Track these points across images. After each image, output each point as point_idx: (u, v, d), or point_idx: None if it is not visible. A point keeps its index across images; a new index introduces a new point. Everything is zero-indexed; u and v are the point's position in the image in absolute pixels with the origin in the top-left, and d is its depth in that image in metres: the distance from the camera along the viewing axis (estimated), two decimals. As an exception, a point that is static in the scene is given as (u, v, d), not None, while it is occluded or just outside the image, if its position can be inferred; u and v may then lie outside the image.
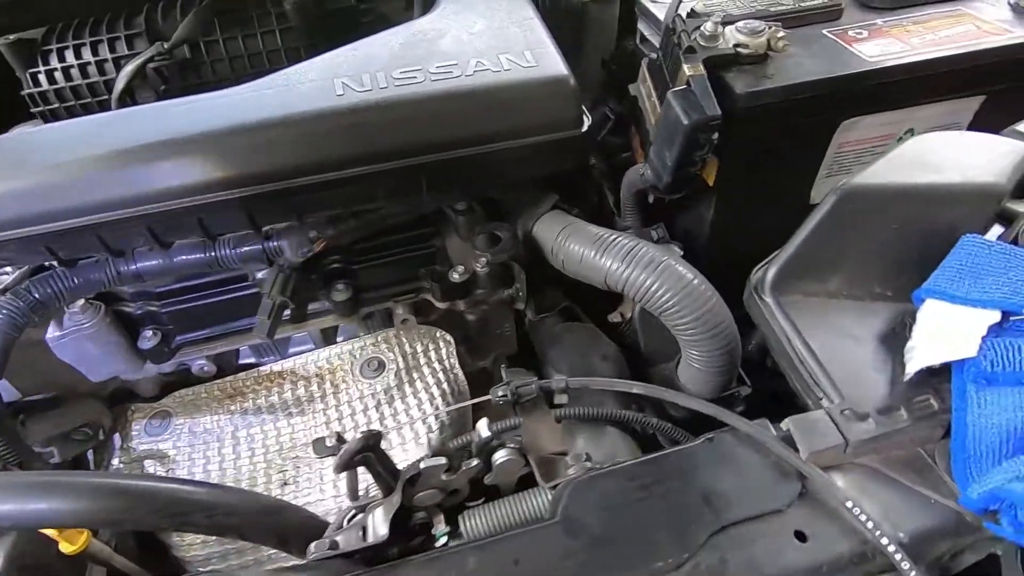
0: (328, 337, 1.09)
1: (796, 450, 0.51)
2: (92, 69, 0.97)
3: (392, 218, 0.92)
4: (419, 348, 1.07)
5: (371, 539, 0.55)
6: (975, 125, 0.83)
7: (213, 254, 0.90)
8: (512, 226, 0.92)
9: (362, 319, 1.07)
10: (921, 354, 0.52)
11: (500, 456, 0.54)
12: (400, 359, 1.05)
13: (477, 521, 0.56)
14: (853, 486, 0.51)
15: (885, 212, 0.58)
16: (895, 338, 0.57)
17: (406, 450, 0.94)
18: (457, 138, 0.79)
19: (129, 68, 0.94)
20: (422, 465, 0.52)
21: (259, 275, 0.93)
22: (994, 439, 0.49)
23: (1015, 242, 0.57)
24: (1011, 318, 0.51)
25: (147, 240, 0.80)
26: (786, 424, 0.52)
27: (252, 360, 1.08)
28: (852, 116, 0.78)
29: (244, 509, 0.61)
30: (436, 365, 1.07)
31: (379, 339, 1.08)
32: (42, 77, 0.97)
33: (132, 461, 0.97)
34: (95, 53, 0.97)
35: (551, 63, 0.82)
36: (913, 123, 0.80)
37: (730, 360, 0.76)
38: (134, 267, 0.86)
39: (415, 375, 1.04)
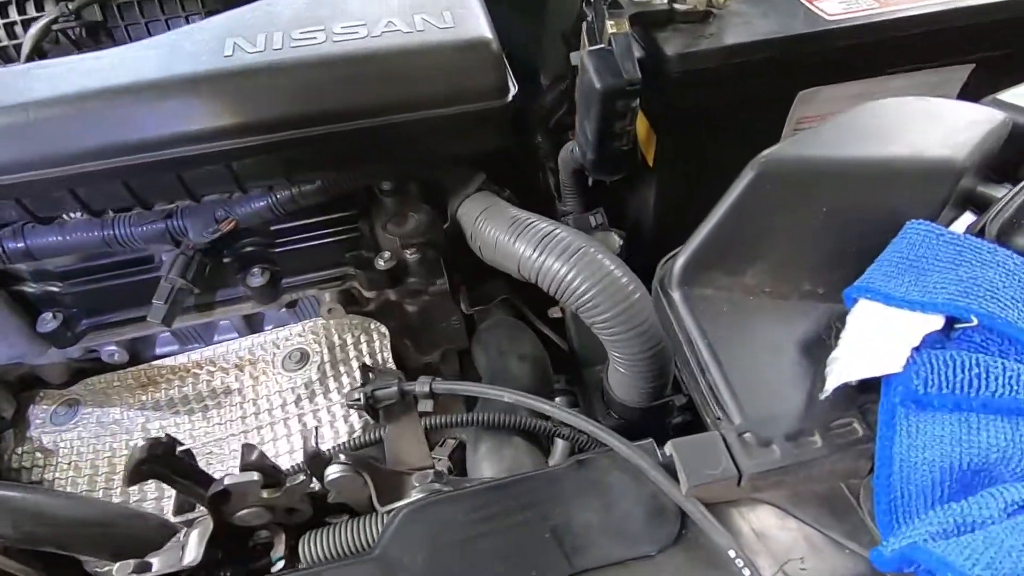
0: (253, 325, 1.01)
1: (677, 480, 0.41)
2: (1, 32, 0.91)
3: (306, 198, 0.83)
4: (348, 340, 0.98)
5: (185, 561, 0.46)
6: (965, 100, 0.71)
7: (110, 232, 0.82)
8: (433, 209, 0.83)
9: (289, 307, 0.99)
10: (842, 367, 0.42)
11: (332, 472, 0.45)
12: (326, 351, 0.97)
13: (314, 546, 0.48)
14: (747, 529, 0.41)
15: (816, 191, 0.47)
16: (821, 346, 0.46)
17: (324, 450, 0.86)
18: (359, 107, 0.70)
19: (33, 30, 0.87)
20: (227, 481, 0.43)
21: (164, 257, 0.86)
22: (925, 478, 0.38)
23: (981, 233, 0.46)
24: (956, 326, 0.40)
25: (20, 214, 0.73)
26: (668, 448, 0.42)
27: (175, 348, 1.01)
28: (810, 85, 0.67)
29: (64, 518, 0.53)
30: (366, 359, 0.98)
31: (306, 329, 1.00)
32: (-46, 42, 0.91)
33: (35, 451, 0.91)
34: (3, 15, 0.90)
35: (472, 24, 0.73)
36: (886, 95, 0.68)
37: (658, 365, 0.66)
38: (22, 244, 0.80)
39: (341, 368, 0.96)
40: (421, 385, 0.53)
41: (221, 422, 0.94)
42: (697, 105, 0.66)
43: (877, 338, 0.41)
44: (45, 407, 0.94)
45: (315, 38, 0.71)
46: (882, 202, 0.46)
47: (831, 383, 0.42)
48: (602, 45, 0.61)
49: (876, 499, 0.40)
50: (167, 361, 0.97)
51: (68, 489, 0.89)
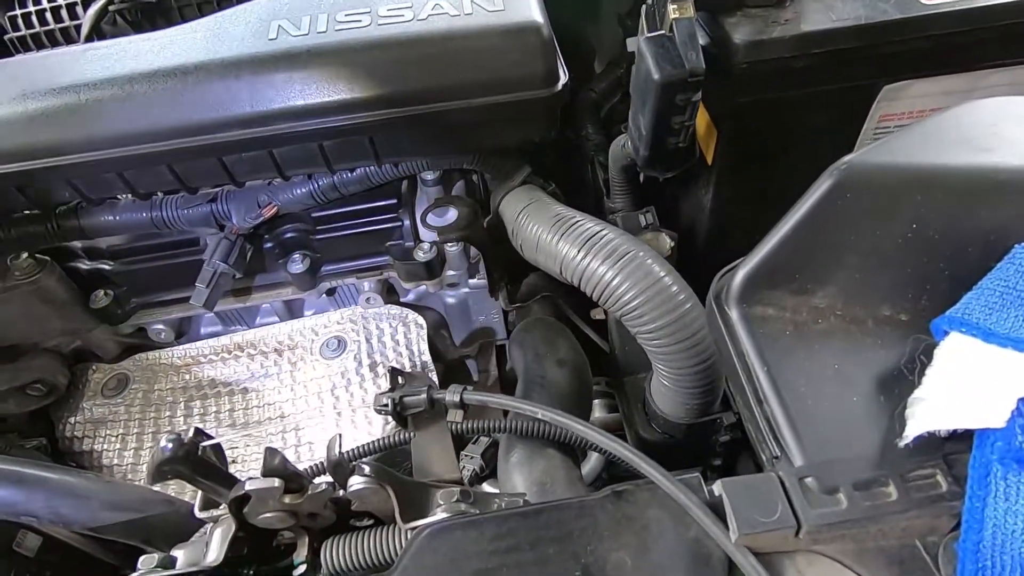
0: (293, 310, 1.01)
1: (726, 525, 0.36)
2: (64, 13, 0.91)
3: (347, 186, 0.81)
4: (386, 330, 0.97)
5: (207, 560, 0.45)
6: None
7: (158, 214, 0.82)
8: (475, 201, 0.79)
9: (328, 294, 0.98)
10: (929, 411, 0.36)
11: (355, 483, 0.42)
12: (363, 340, 0.95)
13: (336, 554, 0.45)
14: (803, 586, 0.36)
15: (903, 204, 0.40)
16: (901, 382, 0.40)
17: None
18: (403, 94, 0.67)
19: (91, 11, 0.87)
20: (248, 486, 0.41)
21: (209, 240, 0.86)
22: (1022, 549, 0.32)
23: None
24: (1074, 373, 0.34)
25: (72, 194, 0.73)
26: (718, 488, 0.37)
27: (219, 328, 1.02)
28: (898, 79, 0.59)
29: (98, 502, 0.53)
30: (403, 349, 0.96)
31: (344, 317, 0.98)
32: (20, 21, 0.93)
33: (86, 422, 0.94)
34: (64, -4, 0.91)
35: (522, 7, 0.68)
36: (982, 93, 0.59)
37: (707, 380, 0.61)
38: (76, 223, 0.81)
39: (378, 358, 0.95)
40: (451, 394, 0.49)
41: (260, 404, 0.94)
42: (766, 99, 0.59)
43: (973, 382, 0.35)
44: (98, 380, 0.96)
45: (360, 21, 0.68)
46: (983, 219, 0.40)
47: (913, 428, 0.36)
48: (662, 31, 0.56)
49: (961, 566, 0.34)
50: (210, 342, 0.98)
51: (115, 461, 0.91)
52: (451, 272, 0.90)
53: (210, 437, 0.49)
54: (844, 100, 0.61)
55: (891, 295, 0.42)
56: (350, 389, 0.92)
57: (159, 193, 0.81)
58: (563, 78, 0.69)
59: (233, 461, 0.92)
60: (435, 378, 0.94)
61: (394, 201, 0.86)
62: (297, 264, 0.88)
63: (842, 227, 0.41)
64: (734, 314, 0.44)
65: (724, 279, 0.46)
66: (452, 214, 0.74)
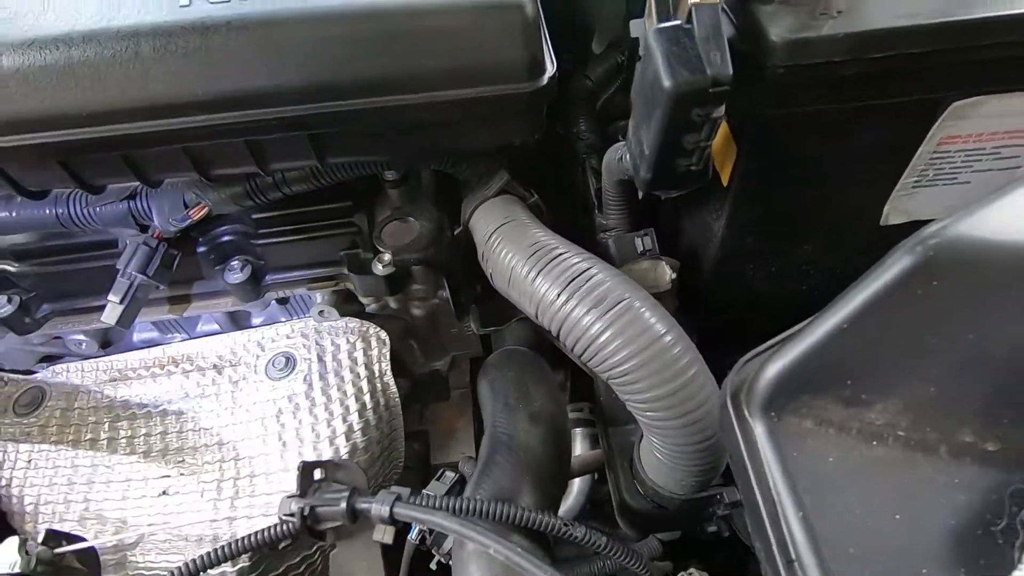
0: (237, 321, 0.88)
1: None
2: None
3: (289, 184, 0.68)
4: (343, 346, 0.84)
5: None
6: None
7: (64, 211, 0.69)
8: (439, 215, 0.66)
9: (280, 302, 0.85)
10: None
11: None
12: (315, 358, 0.83)
13: None
14: None
15: (1007, 297, 0.29)
16: (986, 539, 0.29)
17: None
18: (351, 82, 0.53)
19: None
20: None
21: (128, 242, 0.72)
22: None
23: None
24: None
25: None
26: None
27: (154, 335, 0.89)
28: (970, 94, 0.46)
29: None
30: (361, 370, 0.84)
31: (295, 330, 0.86)
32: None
33: (-6, 442, 0.82)
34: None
35: (502, -22, 0.53)
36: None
37: (708, 459, 0.49)
38: (-37, 220, 0.67)
39: (332, 380, 0.82)
40: (379, 505, 0.38)
41: (195, 429, 0.82)
42: (803, 112, 0.47)
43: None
44: (8, 394, 0.84)
45: (298, -13, 0.53)
46: None
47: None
48: (677, 21, 0.42)
49: None
50: (141, 354, 0.85)
51: (25, 489, 0.79)
52: (416, 287, 0.78)
53: (73, 538, 0.37)
54: (900, 117, 0.48)
55: (977, 416, 0.30)
56: (298, 415, 0.80)
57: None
58: (550, 69, 0.55)
59: (164, 492, 0.81)
60: (397, 401, 0.83)
61: (349, 204, 0.73)
62: (236, 273, 0.75)
63: (922, 322, 0.29)
64: (759, 427, 0.32)
65: (747, 370, 0.34)
66: (413, 230, 0.61)
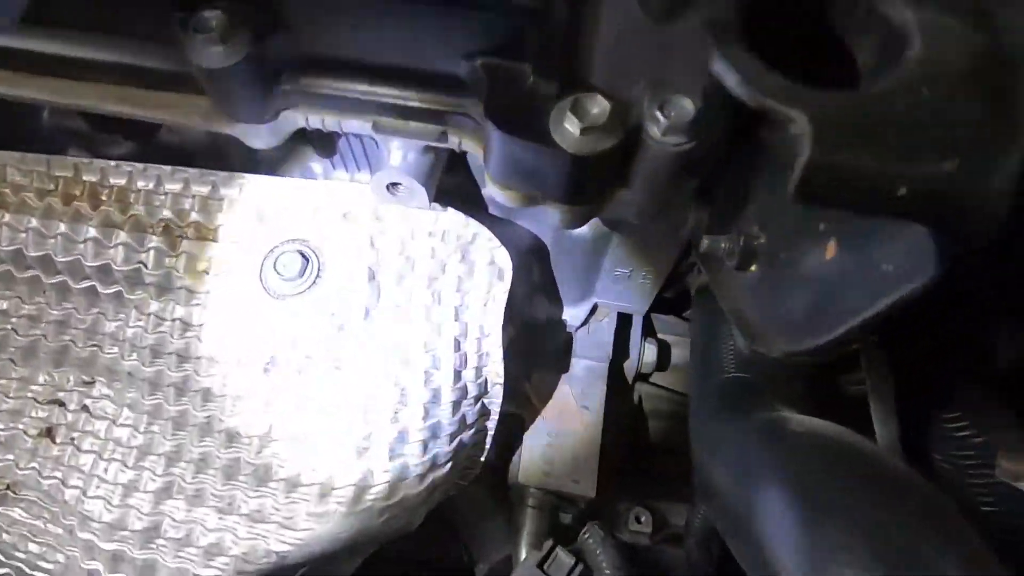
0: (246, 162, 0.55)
1: None
2: None
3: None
4: (422, 261, 0.51)
5: None
6: None
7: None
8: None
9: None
10: None
11: None
12: (375, 265, 0.50)
13: None
14: None
15: None
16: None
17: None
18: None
19: None
20: None
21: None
22: None
23: None
24: None
25: None
26: None
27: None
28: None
29: None
30: (446, 308, 0.52)
31: (350, 193, 0.53)
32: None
33: None
34: None
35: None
36: None
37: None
38: None
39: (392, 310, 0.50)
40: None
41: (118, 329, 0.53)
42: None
43: None
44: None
45: None
46: None
47: None
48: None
49: None
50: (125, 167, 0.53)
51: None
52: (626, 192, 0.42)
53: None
54: None
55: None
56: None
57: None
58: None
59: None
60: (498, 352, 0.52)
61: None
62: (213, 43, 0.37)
63: None
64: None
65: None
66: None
